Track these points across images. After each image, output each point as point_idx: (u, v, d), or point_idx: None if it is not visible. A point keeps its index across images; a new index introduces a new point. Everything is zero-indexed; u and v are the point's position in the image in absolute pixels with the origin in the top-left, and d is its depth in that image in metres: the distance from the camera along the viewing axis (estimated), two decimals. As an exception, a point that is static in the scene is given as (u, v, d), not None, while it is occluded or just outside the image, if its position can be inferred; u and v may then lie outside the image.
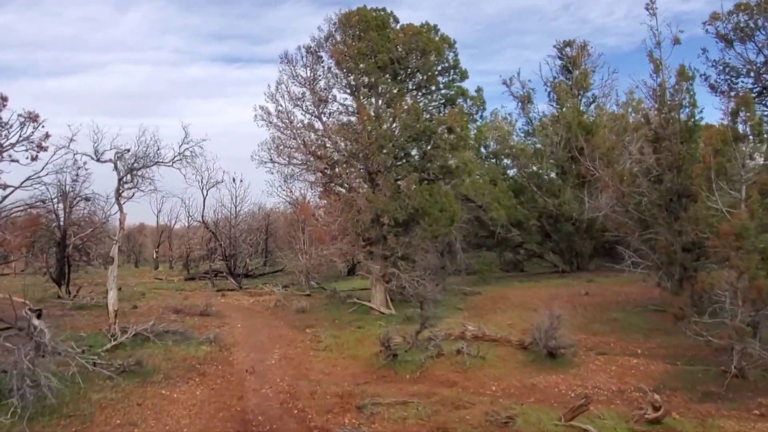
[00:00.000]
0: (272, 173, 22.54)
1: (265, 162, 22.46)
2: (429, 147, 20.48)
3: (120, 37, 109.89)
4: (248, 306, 26.64)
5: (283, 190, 23.05)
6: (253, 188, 75.39)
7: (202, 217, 35.17)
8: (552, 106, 30.13)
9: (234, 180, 36.93)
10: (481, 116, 21.51)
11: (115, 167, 17.05)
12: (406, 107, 19.64)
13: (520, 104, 30.77)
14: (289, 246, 37.12)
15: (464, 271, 26.98)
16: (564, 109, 28.17)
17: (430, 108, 21.59)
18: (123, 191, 17.35)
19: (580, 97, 29.69)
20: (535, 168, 29.40)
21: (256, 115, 22.25)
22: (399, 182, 21.62)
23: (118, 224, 17.81)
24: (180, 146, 17.12)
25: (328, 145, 21.99)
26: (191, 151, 17.29)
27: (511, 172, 30.92)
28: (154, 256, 54.19)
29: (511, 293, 25.33)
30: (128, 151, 17.15)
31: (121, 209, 17.44)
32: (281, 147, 22.34)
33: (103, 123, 16.72)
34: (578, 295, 23.44)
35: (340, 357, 16.16)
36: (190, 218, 40.45)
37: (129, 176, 17.32)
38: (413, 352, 15.27)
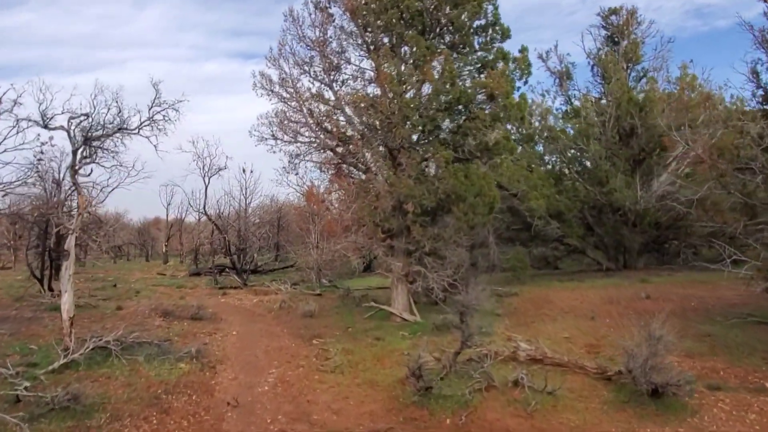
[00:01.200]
0: (274, 152, 18.16)
1: (266, 139, 18.10)
2: (464, 118, 15.95)
3: (138, 34, 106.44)
4: (250, 307, 22.38)
5: (288, 172, 18.62)
6: (265, 181, 71.41)
7: (204, 207, 30.98)
8: (596, 81, 25.42)
9: (244, 171, 32.91)
10: (526, 83, 16.85)
11: (69, 136, 12.79)
12: (437, 68, 15.14)
13: (557, 81, 26.10)
14: (300, 240, 32.94)
15: (498, 268, 22.45)
16: (611, 84, 23.45)
17: (464, 74, 17.03)
18: (80, 167, 13.07)
19: (629, 70, 24.96)
20: (575, 152, 24.71)
21: (255, 83, 17.92)
22: (425, 162, 17.20)
23: (76, 208, 13.47)
24: (150, 109, 12.80)
25: (340, 118, 17.58)
26: (164, 115, 12.96)
27: (546, 158, 26.24)
28: (164, 250, 50.38)
29: (554, 295, 20.77)
30: (86, 116, 12.85)
31: (78, 190, 13.21)
32: (285, 121, 17.97)
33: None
34: (638, 299, 18.82)
35: (354, 383, 11.77)
36: (194, 209, 36.27)
37: (86, 148, 13.03)
38: (452, 381, 10.86)
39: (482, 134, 15.51)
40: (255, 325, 18.48)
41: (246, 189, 32.82)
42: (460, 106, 15.68)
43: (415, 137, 16.24)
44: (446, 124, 16.54)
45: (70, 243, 13.28)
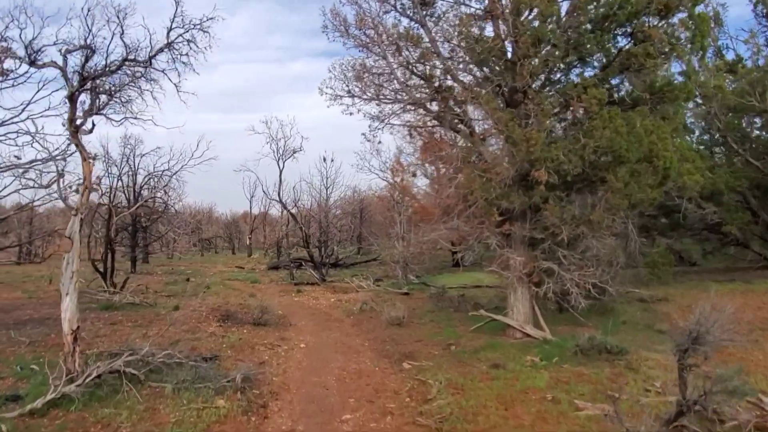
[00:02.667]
0: (351, 113, 13.29)
1: (340, 96, 13.27)
2: (627, 44, 10.23)
3: (230, 39, 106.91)
4: (326, 309, 17.83)
5: (369, 141, 13.74)
6: (346, 170, 67.50)
7: (279, 195, 26.98)
8: (762, 24, 18.48)
9: (325, 159, 28.96)
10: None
11: (65, 76, 8.54)
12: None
13: (703, 28, 19.35)
14: (383, 231, 28.31)
15: (640, 264, 16.36)
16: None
17: None
18: (82, 121, 8.80)
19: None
20: (732, 116, 17.92)
21: (325, 25, 13.17)
22: (553, 119, 11.65)
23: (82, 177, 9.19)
24: (168, 32, 8.28)
25: (436, 64, 12.37)
26: (188, 39, 8.40)
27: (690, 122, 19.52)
28: (248, 243, 47.82)
29: (721, 303, 14.36)
30: (89, 48, 8.57)
31: (82, 153, 8.91)
32: (364, 73, 13.06)
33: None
34: None
35: (480, 459, 6.58)
36: (268, 197, 32.60)
37: (90, 94, 8.74)
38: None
39: (654, 64, 9.67)
40: (329, 335, 13.82)
41: (327, 178, 28.86)
42: (621, 25, 9.94)
43: (548, 72, 10.72)
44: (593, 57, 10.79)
45: (72, 228, 9.05)
